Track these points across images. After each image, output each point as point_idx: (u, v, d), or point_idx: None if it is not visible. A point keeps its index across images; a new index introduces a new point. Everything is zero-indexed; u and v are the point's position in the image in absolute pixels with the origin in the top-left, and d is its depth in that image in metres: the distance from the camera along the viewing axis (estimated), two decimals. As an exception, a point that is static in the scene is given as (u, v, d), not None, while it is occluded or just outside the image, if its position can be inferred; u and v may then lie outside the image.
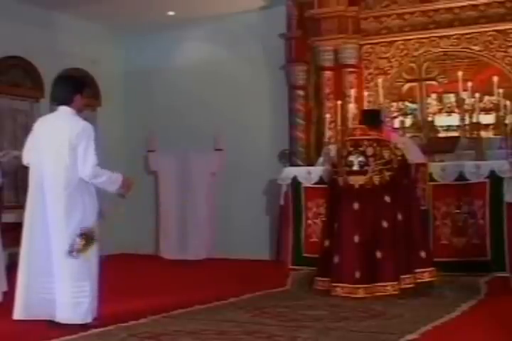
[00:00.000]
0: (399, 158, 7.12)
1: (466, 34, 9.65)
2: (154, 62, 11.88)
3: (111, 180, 5.69)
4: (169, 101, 11.72)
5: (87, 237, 5.53)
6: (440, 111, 9.60)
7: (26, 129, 7.09)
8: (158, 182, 11.47)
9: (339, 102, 9.61)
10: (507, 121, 8.75)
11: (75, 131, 5.58)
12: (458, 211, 7.64)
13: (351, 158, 7.17)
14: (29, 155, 5.80)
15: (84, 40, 11.17)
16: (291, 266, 8.27)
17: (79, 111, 5.84)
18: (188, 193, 11.04)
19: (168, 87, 11.75)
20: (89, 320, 5.55)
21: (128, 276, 8.92)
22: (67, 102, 5.76)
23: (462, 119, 8.88)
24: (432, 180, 7.73)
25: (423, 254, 7.01)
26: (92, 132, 5.65)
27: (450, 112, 9.51)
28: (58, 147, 5.56)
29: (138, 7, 10.68)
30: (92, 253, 5.60)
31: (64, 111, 5.75)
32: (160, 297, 7.14)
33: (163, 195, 11.33)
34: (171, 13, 11.04)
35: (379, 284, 6.89)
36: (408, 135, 9.35)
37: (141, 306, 6.51)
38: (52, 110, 5.98)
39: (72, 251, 5.48)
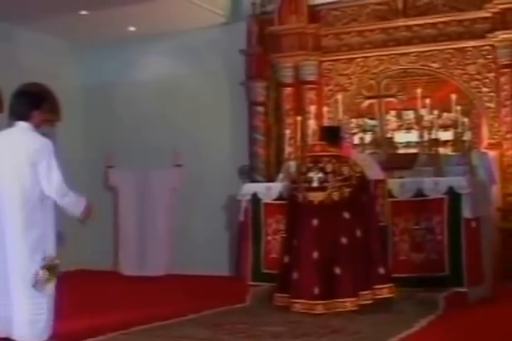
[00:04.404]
0: (358, 174, 7.14)
1: (425, 52, 9.78)
2: (114, 77, 11.84)
3: (77, 202, 5.62)
4: (129, 116, 11.67)
5: (51, 268, 5.45)
6: (399, 127, 9.71)
7: (-17, 145, 6.98)
8: (117, 198, 11.40)
9: (299, 118, 9.65)
10: (465, 138, 8.85)
11: (33, 147, 5.50)
12: (416, 227, 7.67)
13: (311, 174, 7.17)
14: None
15: (43, 54, 11.09)
16: (250, 282, 8.24)
17: (37, 127, 5.74)
18: (148, 209, 10.99)
19: (128, 102, 11.71)
20: (45, 337, 5.47)
21: (86, 293, 8.80)
22: (24, 118, 5.66)
23: (421, 136, 8.97)
24: (391, 196, 7.76)
25: (382, 270, 7.02)
26: (51, 148, 5.57)
27: (409, 129, 9.63)
28: (16, 164, 5.47)
29: (99, 22, 10.63)
30: (49, 270, 5.55)
31: (21, 126, 5.65)
32: (118, 313, 7.09)
33: (122, 211, 11.27)
34: (131, 28, 11.01)
35: (338, 300, 6.87)
36: (368, 151, 9.42)
37: (99, 323, 6.44)
38: (10, 125, 5.90)
39: (36, 284, 5.40)
